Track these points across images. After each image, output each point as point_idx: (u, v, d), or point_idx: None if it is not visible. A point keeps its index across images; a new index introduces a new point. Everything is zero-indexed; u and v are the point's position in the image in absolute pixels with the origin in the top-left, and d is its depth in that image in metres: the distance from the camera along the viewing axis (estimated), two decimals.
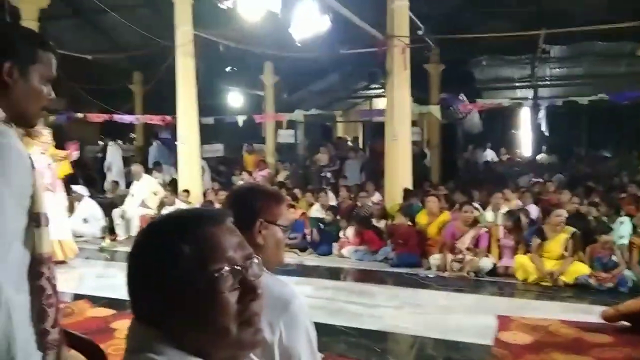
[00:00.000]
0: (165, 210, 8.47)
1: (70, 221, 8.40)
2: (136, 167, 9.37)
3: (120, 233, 8.64)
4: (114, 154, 12.09)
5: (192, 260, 0.82)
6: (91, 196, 9.25)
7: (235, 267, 0.84)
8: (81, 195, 8.77)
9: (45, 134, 6.51)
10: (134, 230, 8.57)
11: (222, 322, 0.82)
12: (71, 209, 9.23)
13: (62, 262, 6.56)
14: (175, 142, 9.64)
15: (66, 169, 7.31)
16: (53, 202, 6.46)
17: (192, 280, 0.81)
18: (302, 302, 1.36)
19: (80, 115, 12.03)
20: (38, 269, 1.44)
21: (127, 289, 0.87)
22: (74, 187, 8.82)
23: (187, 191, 8.66)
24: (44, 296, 1.44)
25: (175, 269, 0.81)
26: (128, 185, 10.85)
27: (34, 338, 1.43)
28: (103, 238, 8.43)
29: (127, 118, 12.15)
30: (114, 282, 5.97)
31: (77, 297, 5.38)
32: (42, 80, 1.48)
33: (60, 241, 6.58)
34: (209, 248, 0.83)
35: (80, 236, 8.27)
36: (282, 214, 1.53)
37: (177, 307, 0.82)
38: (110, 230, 8.72)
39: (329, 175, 12.12)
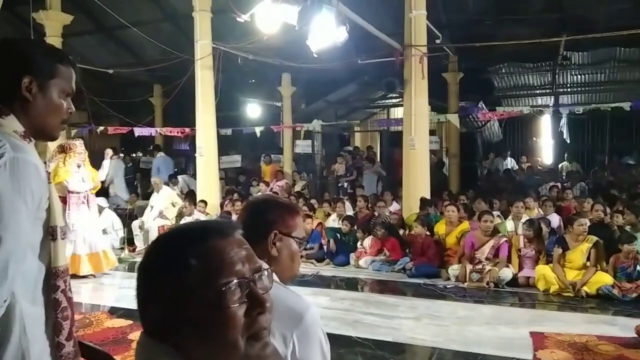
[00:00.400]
0: (184, 221, 8.55)
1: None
2: (156, 179, 9.50)
3: (139, 244, 8.74)
4: (115, 168, 12.26)
5: (200, 274, 0.81)
6: (110, 207, 9.39)
7: (243, 280, 0.83)
8: (101, 207, 8.90)
9: (78, 145, 6.55)
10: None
11: (229, 336, 0.81)
12: None
13: (103, 274, 6.68)
14: (193, 154, 9.74)
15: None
16: (89, 216, 6.56)
17: (200, 294, 0.80)
18: (316, 314, 1.34)
19: (101, 128, 12.27)
20: (54, 282, 1.46)
21: (136, 303, 0.87)
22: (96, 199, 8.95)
23: (204, 202, 8.73)
24: (60, 309, 1.46)
25: (182, 283, 0.80)
26: (146, 196, 11.01)
27: (49, 351, 1.44)
28: (122, 249, 8.55)
29: (147, 130, 12.33)
30: (132, 293, 5.99)
31: (96, 307, 5.46)
32: (62, 95, 1.50)
33: (104, 252, 6.66)
34: (217, 261, 0.82)
35: None
36: (297, 226, 1.51)
37: (185, 322, 0.81)
38: (129, 241, 8.83)
39: (345, 185, 12.09)
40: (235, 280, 0.82)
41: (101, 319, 4.95)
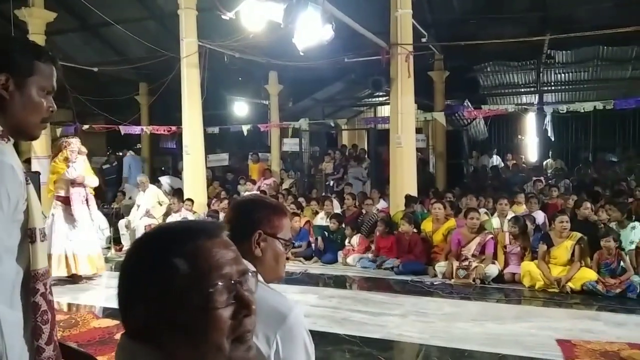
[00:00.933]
0: (171, 218, 8.51)
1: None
2: (142, 178, 9.42)
3: (126, 243, 8.69)
4: (132, 163, 12.18)
5: (186, 275, 0.79)
6: (97, 206, 9.28)
7: (230, 282, 0.82)
8: None
9: (73, 142, 6.45)
10: None
11: (215, 338, 0.80)
12: None
13: (91, 278, 6.57)
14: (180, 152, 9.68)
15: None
16: (87, 217, 6.43)
17: (186, 296, 0.79)
18: (300, 314, 1.34)
19: (86, 126, 12.14)
20: (33, 285, 1.42)
21: (118, 303, 0.85)
22: None
23: (191, 200, 8.68)
24: (39, 313, 1.43)
25: (168, 284, 0.79)
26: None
27: (28, 355, 1.41)
28: (108, 248, 8.47)
29: (133, 129, 12.22)
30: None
31: (81, 308, 5.40)
32: (41, 93, 1.46)
33: (91, 256, 6.51)
34: (204, 263, 0.81)
35: None
36: (283, 227, 1.50)
37: (170, 323, 0.79)
38: (115, 240, 8.76)
39: (331, 183, 12.11)
40: (222, 282, 0.81)
41: (87, 319, 4.90)
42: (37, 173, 8.74)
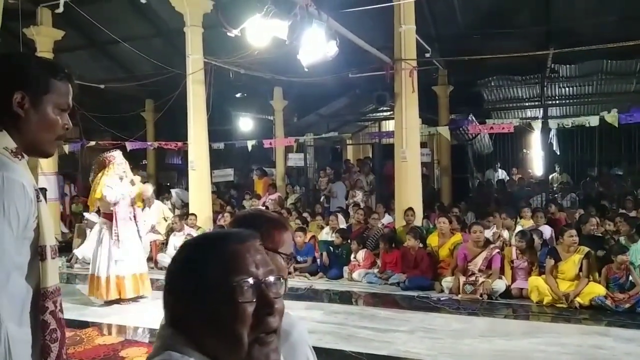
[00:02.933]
0: (174, 237, 8.52)
1: (83, 248, 8.44)
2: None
3: None
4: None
5: (217, 272, 0.89)
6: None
7: (256, 280, 0.90)
8: (93, 223, 8.82)
9: (117, 157, 6.10)
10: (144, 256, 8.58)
11: (236, 330, 0.87)
12: (83, 236, 9.32)
13: (135, 299, 6.18)
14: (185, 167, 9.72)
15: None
16: (132, 236, 6.08)
17: (215, 288, 0.89)
18: (304, 331, 1.33)
19: (92, 143, 12.22)
20: (42, 303, 1.42)
21: (163, 296, 0.96)
22: (87, 215, 8.89)
23: (194, 215, 8.69)
24: (48, 331, 1.42)
25: (202, 280, 0.90)
26: None
27: None
28: None
29: (139, 145, 12.30)
30: (123, 308, 5.97)
31: (86, 324, 5.38)
32: (56, 110, 1.46)
33: (139, 275, 6.15)
34: (233, 260, 0.91)
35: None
36: (284, 241, 1.48)
37: (200, 313, 0.89)
38: None
39: (322, 198, 12.08)
40: (247, 279, 0.90)
41: (92, 336, 4.88)
42: (44, 190, 8.79)
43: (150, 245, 8.68)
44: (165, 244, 8.78)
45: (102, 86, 11.03)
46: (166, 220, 9.04)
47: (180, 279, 0.93)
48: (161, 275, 7.96)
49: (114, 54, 12.41)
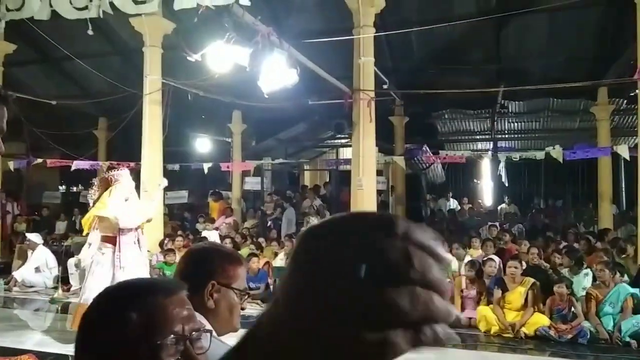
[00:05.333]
0: None
1: (22, 270, 8.05)
2: None
3: (74, 283, 8.26)
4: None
5: (138, 328, 0.83)
6: (45, 244, 8.92)
7: (180, 339, 0.85)
8: (35, 244, 8.45)
9: (123, 175, 5.63)
10: None
11: None
12: (24, 257, 8.88)
13: None
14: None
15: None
16: (140, 259, 5.59)
17: (136, 348, 0.82)
18: None
19: (39, 160, 11.76)
20: None
21: (74, 352, 0.87)
22: (29, 235, 8.50)
23: None
24: None
25: (121, 336, 0.82)
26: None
27: None
28: (55, 288, 8.07)
29: (87, 164, 11.91)
30: (63, 336, 5.68)
31: (22, 352, 5.08)
32: None
33: None
34: (157, 318, 0.85)
35: (31, 286, 7.89)
36: (238, 276, 1.45)
37: None
38: (63, 280, 8.35)
39: (269, 223, 12.05)
40: (172, 338, 0.84)
41: None
42: None
43: None
44: None
45: (53, 102, 10.68)
46: None
47: (96, 333, 0.86)
48: None
49: (68, 70, 12.08)
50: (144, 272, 5.62)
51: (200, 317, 0.94)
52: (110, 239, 5.47)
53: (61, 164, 11.81)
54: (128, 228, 5.43)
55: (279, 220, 11.72)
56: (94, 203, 5.54)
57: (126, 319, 0.83)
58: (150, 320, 0.84)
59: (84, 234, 5.68)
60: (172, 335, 0.84)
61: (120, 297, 0.89)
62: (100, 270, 5.41)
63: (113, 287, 0.95)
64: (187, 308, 0.90)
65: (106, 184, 5.58)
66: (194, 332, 0.87)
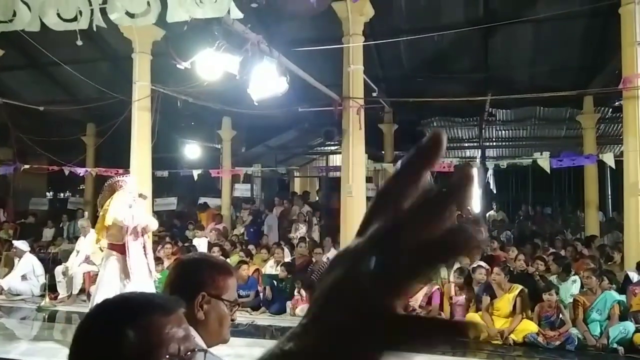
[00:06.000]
0: None
1: (8, 279, 7.96)
2: (83, 222, 9.05)
3: (62, 291, 8.18)
4: None
5: (135, 347, 0.82)
6: (32, 251, 8.81)
7: (175, 358, 0.85)
8: (22, 251, 8.35)
9: (128, 182, 5.57)
10: (77, 288, 8.16)
11: None
12: (11, 265, 8.77)
13: None
14: None
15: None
16: (144, 269, 5.47)
17: None
18: None
19: (26, 166, 11.64)
20: None
21: None
22: (15, 243, 8.40)
23: None
24: None
25: (117, 354, 0.82)
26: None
27: None
28: (42, 296, 7.97)
29: (77, 170, 11.81)
30: (49, 345, 5.62)
31: None
32: None
33: None
34: (154, 337, 0.84)
35: (18, 294, 7.79)
36: (228, 287, 1.45)
37: None
38: (50, 288, 8.24)
39: (243, 231, 12.03)
40: (167, 358, 0.84)
41: None
42: None
43: (84, 277, 8.26)
44: None
45: (41, 108, 10.59)
46: (102, 251, 8.64)
47: (90, 348, 0.84)
48: None
49: (56, 76, 11.98)
50: (149, 282, 5.55)
51: (190, 329, 0.94)
52: (118, 247, 5.41)
53: (47, 170, 11.70)
54: (133, 229, 5.37)
55: (251, 228, 11.70)
56: (101, 210, 5.51)
57: (122, 336, 0.82)
58: (147, 339, 0.83)
59: (97, 242, 5.65)
60: (167, 357, 0.83)
61: (117, 313, 0.87)
62: (107, 279, 5.34)
63: (110, 301, 0.92)
64: (184, 327, 0.90)
65: (112, 190, 5.54)
66: (189, 353, 0.87)
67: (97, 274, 8.44)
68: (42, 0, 5.48)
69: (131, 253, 5.33)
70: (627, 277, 6.72)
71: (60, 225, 12.70)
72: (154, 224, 5.83)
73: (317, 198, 13.71)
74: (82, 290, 8.23)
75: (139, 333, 0.83)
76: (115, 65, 11.24)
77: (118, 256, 5.39)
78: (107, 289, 5.18)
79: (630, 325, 5.57)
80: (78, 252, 8.58)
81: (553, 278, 6.86)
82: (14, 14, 5.53)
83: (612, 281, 6.47)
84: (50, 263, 8.84)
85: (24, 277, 8.24)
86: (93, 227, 9.20)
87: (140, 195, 5.52)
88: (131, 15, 5.12)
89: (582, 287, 6.48)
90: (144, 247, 5.56)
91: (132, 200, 5.42)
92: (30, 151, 11.98)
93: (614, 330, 5.60)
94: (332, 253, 9.16)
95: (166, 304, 0.90)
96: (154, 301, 0.91)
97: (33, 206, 14.52)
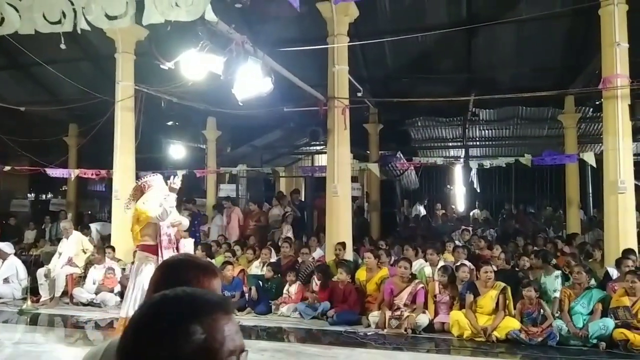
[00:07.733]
0: (94, 269, 8.11)
1: None
2: (65, 224, 8.92)
3: (44, 294, 8.07)
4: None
5: (201, 343, 0.82)
6: (16, 253, 8.69)
7: (236, 357, 0.86)
8: (6, 254, 8.23)
9: (156, 180, 5.53)
10: (59, 291, 8.06)
11: None
12: None
13: None
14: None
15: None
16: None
17: None
18: None
19: (7, 168, 11.47)
20: None
21: (120, 357, 0.84)
22: None
23: (112, 248, 8.33)
24: None
25: (182, 349, 0.81)
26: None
27: None
28: (24, 299, 7.86)
29: (59, 172, 11.66)
30: (31, 349, 5.55)
31: None
32: None
33: None
34: (219, 335, 0.84)
35: None
36: (212, 288, 1.46)
37: None
38: (32, 290, 8.12)
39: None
40: (232, 357, 0.85)
41: None
42: None
43: (67, 279, 8.17)
44: (83, 277, 8.31)
45: (22, 108, 10.45)
46: (85, 253, 8.56)
47: (152, 343, 0.82)
48: (76, 312, 7.50)
49: (38, 76, 11.81)
50: None
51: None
52: (151, 249, 5.33)
53: (29, 171, 11.53)
54: (165, 231, 5.32)
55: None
56: (131, 214, 5.44)
57: (189, 333, 0.82)
58: (212, 337, 0.84)
59: (134, 246, 5.49)
60: (231, 355, 0.85)
61: (182, 308, 0.86)
62: (141, 280, 5.19)
63: (171, 296, 0.89)
64: (237, 324, 0.90)
65: (140, 193, 5.49)
66: (243, 352, 0.88)
67: (80, 276, 8.37)
68: (29, 4, 5.41)
69: (164, 252, 5.24)
70: (607, 273, 6.85)
71: (43, 227, 12.54)
72: (185, 222, 5.81)
73: (300, 198, 13.69)
74: (64, 293, 8.14)
75: (204, 330, 0.83)
76: (98, 65, 11.13)
77: (154, 258, 5.28)
78: (142, 291, 5.05)
79: (609, 322, 5.67)
80: (60, 254, 8.47)
81: (540, 273, 6.93)
82: (3, 19, 5.46)
83: (592, 278, 6.59)
84: (32, 265, 8.72)
85: (6, 280, 8.12)
86: (75, 229, 9.13)
87: (172, 190, 5.39)
88: (109, 17, 5.07)
89: (567, 279, 6.60)
90: (177, 246, 5.53)
91: (162, 200, 5.30)
92: (11, 152, 11.81)
93: (593, 326, 5.70)
94: (317, 253, 9.18)
95: (223, 302, 0.91)
96: (214, 299, 0.91)
97: (14, 208, 14.31)
